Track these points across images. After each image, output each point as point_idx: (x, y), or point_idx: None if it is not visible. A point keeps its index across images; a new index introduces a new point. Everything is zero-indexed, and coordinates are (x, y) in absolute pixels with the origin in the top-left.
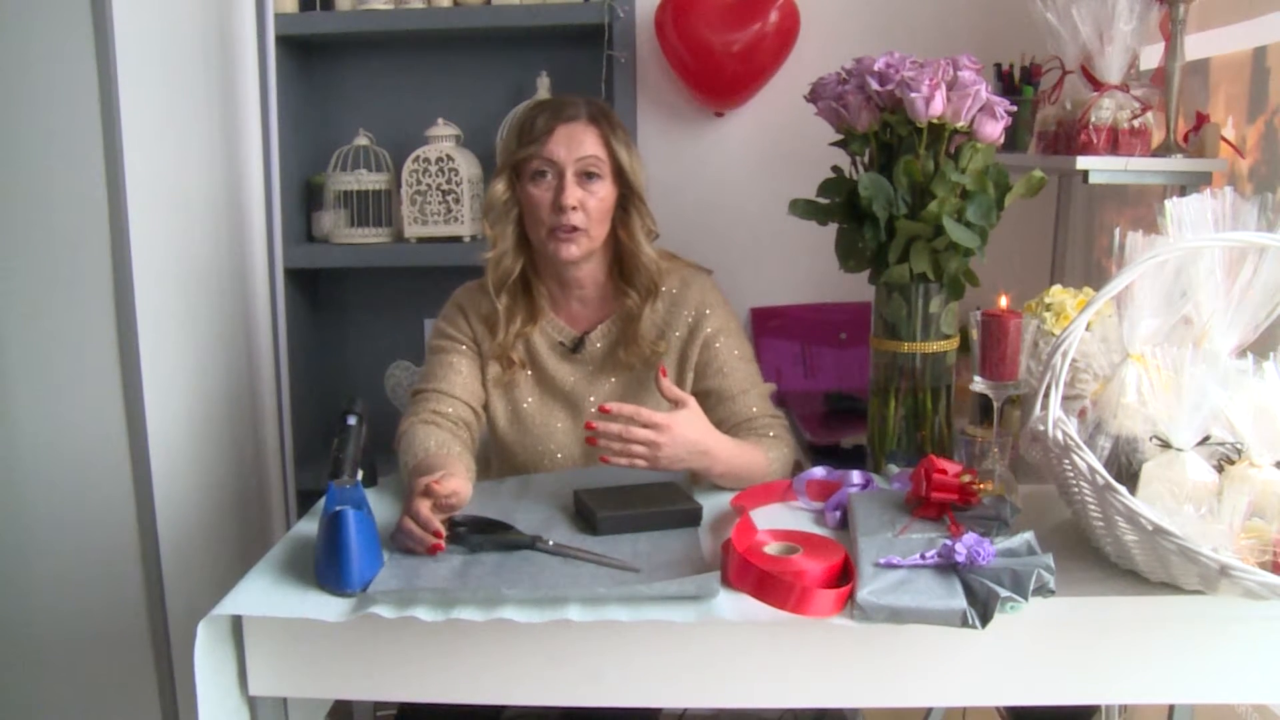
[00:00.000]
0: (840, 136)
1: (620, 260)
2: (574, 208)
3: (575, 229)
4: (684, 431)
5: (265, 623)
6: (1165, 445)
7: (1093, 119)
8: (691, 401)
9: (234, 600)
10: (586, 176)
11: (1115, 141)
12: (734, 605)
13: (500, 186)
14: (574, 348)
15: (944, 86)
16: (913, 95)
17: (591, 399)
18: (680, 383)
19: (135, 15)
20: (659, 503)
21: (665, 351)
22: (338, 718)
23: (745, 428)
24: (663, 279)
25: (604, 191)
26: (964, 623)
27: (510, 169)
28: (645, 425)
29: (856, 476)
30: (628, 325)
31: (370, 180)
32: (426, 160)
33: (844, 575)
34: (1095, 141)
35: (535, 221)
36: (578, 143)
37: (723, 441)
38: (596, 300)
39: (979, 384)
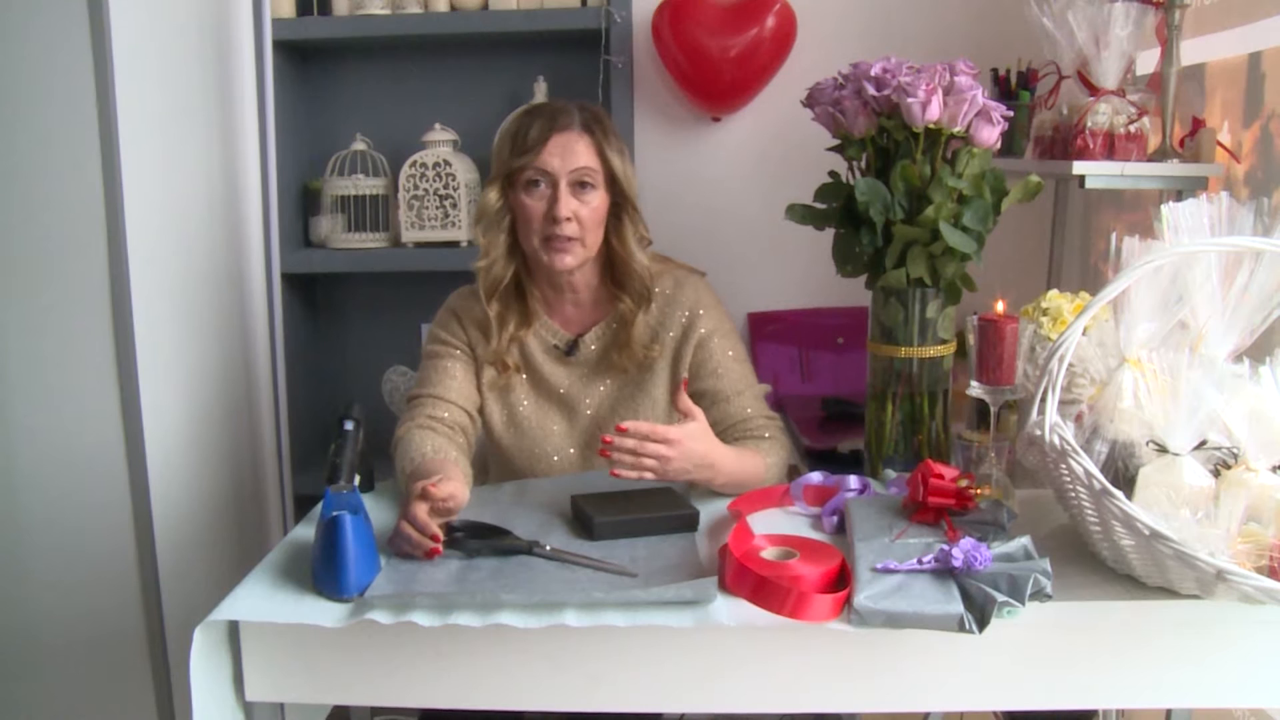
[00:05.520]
0: (837, 141)
1: (612, 266)
2: (568, 219)
3: (570, 239)
4: (692, 445)
5: (262, 628)
6: (1162, 450)
7: (1089, 124)
8: (700, 415)
9: (231, 605)
10: (580, 186)
11: (1111, 146)
12: (731, 610)
13: (493, 195)
14: (568, 350)
15: (940, 91)
16: (909, 100)
17: (586, 401)
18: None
19: (133, 21)
20: (656, 508)
21: (659, 354)
22: None
23: (740, 429)
24: (655, 283)
25: (597, 201)
26: (961, 627)
27: (503, 178)
28: (659, 440)
29: (853, 481)
30: (621, 329)
31: (367, 185)
32: (424, 165)
33: (841, 580)
34: (1092, 146)
35: (529, 230)
36: (572, 153)
37: (726, 453)
38: (590, 303)
39: (976, 389)
